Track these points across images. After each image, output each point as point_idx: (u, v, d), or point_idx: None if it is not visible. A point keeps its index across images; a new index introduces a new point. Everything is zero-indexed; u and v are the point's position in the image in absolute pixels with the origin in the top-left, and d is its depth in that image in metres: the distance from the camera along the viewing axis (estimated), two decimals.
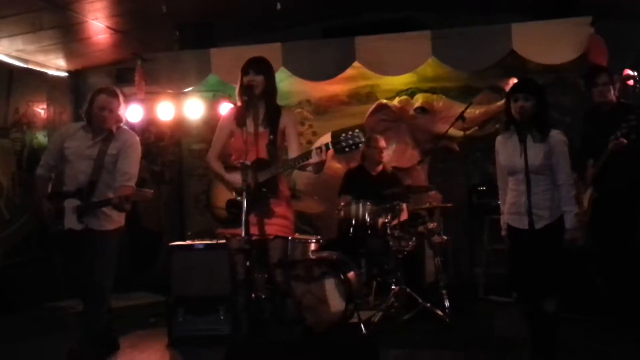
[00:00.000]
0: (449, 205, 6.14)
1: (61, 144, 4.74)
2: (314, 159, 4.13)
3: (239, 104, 4.43)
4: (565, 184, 4.00)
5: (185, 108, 7.24)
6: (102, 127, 4.68)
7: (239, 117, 4.35)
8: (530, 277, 3.99)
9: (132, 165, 4.67)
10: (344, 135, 4.10)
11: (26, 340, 5.57)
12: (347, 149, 4.09)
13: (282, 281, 4.58)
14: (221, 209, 4.33)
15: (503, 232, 4.23)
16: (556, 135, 4.02)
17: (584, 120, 5.36)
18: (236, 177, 4.16)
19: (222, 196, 4.37)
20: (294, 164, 4.24)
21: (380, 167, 6.32)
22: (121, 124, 4.80)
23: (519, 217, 4.03)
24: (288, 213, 4.47)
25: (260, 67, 4.37)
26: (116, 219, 4.69)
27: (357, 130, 4.11)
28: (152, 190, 4.64)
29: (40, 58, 7.01)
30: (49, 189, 4.77)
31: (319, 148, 4.11)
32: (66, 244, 4.63)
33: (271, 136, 4.32)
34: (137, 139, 4.83)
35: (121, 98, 4.76)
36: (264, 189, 4.22)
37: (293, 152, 4.35)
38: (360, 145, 4.15)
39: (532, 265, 3.96)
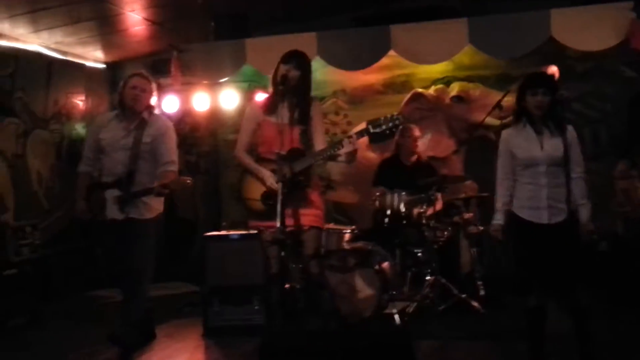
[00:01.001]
0: (485, 195, 6.05)
1: (97, 136, 4.81)
2: (346, 147, 4.14)
3: (271, 91, 4.44)
4: (581, 176, 3.99)
5: (221, 98, 7.28)
6: (134, 107, 4.71)
7: (270, 105, 4.37)
8: (549, 272, 3.93)
9: (170, 150, 4.73)
10: (382, 118, 4.11)
11: (67, 327, 5.71)
12: (387, 131, 4.10)
13: (317, 272, 4.58)
14: (255, 200, 4.34)
15: (495, 227, 4.13)
16: (571, 129, 4.03)
17: (630, 105, 5.24)
18: (267, 172, 4.21)
19: (255, 188, 4.37)
20: (327, 153, 4.24)
21: (414, 157, 6.30)
22: (153, 111, 4.85)
23: (537, 211, 3.98)
24: (320, 203, 4.48)
25: (302, 62, 4.36)
26: (155, 207, 4.76)
27: (394, 114, 4.12)
28: (190, 178, 4.68)
29: (78, 50, 7.13)
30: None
31: (350, 136, 4.11)
32: (108, 234, 4.71)
33: (303, 126, 4.32)
34: (171, 124, 4.88)
35: (153, 84, 4.83)
36: (301, 178, 4.23)
37: (319, 143, 4.35)
38: (399, 127, 4.17)
39: (553, 260, 3.91)
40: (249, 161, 4.46)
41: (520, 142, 4.07)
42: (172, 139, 4.79)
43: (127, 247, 4.61)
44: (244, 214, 4.68)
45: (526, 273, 4.04)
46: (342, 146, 4.14)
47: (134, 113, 4.74)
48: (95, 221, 4.70)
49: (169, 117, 6.57)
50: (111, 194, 4.64)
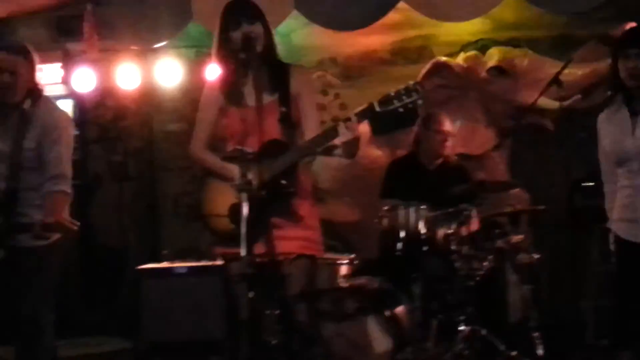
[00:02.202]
0: (541, 208, 6.13)
1: None
2: (343, 136, 4.09)
3: (227, 66, 4.36)
4: None
5: (157, 72, 7.25)
6: (3, 100, 4.63)
7: (231, 86, 4.34)
8: None
9: (61, 158, 4.66)
10: (393, 92, 4.04)
11: None
12: (400, 109, 4.04)
13: (305, 320, 4.54)
14: (220, 217, 4.29)
15: (611, 246, 4.25)
16: None
17: None
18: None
19: (221, 200, 4.29)
20: (315, 146, 4.18)
21: (441, 160, 6.35)
22: (40, 96, 4.74)
23: (634, 225, 4.06)
24: (314, 219, 4.43)
25: (254, 11, 4.32)
26: None
27: (411, 83, 4.02)
28: (77, 225, 4.54)
29: None
30: None
31: (348, 119, 4.07)
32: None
33: (283, 108, 4.27)
34: (67, 114, 4.84)
35: (34, 56, 4.71)
36: (284, 182, 4.19)
37: (311, 131, 4.30)
38: (418, 103, 4.09)
39: None
40: (210, 158, 4.42)
41: (610, 130, 4.15)
42: (66, 139, 4.72)
43: (14, 288, 4.57)
44: (193, 237, 4.65)
45: (623, 315, 4.06)
46: (338, 133, 4.11)
47: (7, 105, 4.66)
48: None
49: (81, 98, 6.56)
50: None
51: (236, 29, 4.24)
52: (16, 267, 4.54)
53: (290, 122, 4.30)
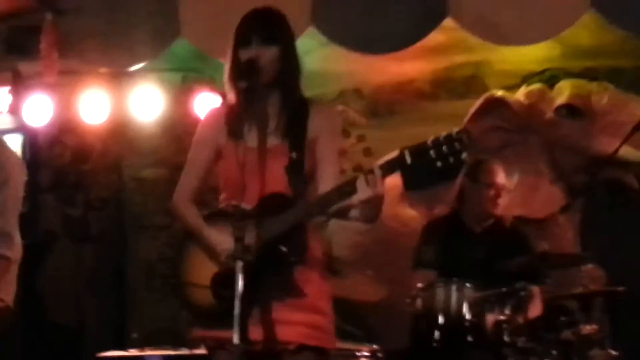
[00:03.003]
0: (620, 290, 6.09)
1: None
2: (362, 193, 4.04)
3: (231, 97, 4.42)
4: None
5: (131, 102, 7.33)
6: None
7: (232, 121, 4.35)
8: None
9: (4, 212, 4.74)
10: (430, 140, 3.98)
11: None
12: (438, 163, 3.97)
13: None
14: (202, 288, 4.27)
15: None
16: None
17: None
18: (223, 236, 4.11)
19: (203, 266, 4.29)
20: (325, 204, 4.13)
21: (491, 220, 6.32)
22: None
23: None
24: (324, 299, 4.39)
25: (273, 29, 4.35)
26: None
27: (456, 131, 3.94)
28: (3, 304, 4.64)
29: None
30: None
31: (370, 171, 4.02)
32: None
33: (293, 153, 4.27)
34: (15, 156, 4.98)
35: None
36: (283, 248, 4.16)
37: (326, 184, 4.28)
38: (464, 155, 4.00)
39: None
40: (192, 217, 4.41)
41: None
42: (12, 187, 4.81)
43: None
44: (171, 317, 4.62)
45: None
46: (355, 190, 4.06)
47: None
48: None
49: (33, 133, 6.56)
50: None
51: (245, 48, 4.27)
52: None
53: (300, 173, 4.27)
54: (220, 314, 4.11)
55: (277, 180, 4.21)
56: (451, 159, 3.88)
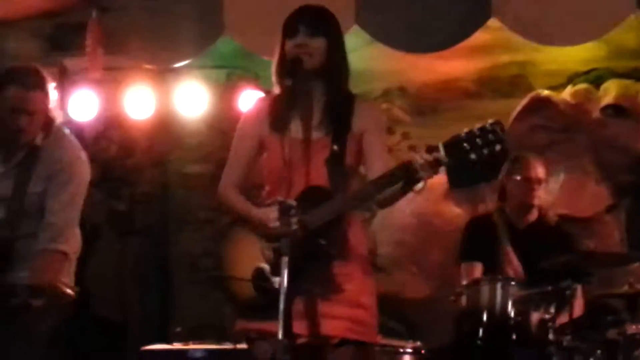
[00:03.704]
0: None
1: None
2: (424, 172, 4.00)
3: (276, 90, 4.42)
4: None
5: (176, 98, 7.36)
6: (17, 142, 4.79)
7: (277, 114, 4.35)
8: None
9: (65, 208, 4.82)
10: (465, 132, 3.88)
11: None
12: (472, 155, 3.91)
13: None
14: (244, 281, 4.27)
15: None
16: None
17: None
18: (273, 213, 4.07)
19: (248, 257, 4.32)
20: (376, 192, 4.15)
21: (534, 215, 6.32)
22: (52, 128, 4.88)
23: None
24: (366, 294, 4.38)
25: (320, 22, 4.36)
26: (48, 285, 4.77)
27: (490, 122, 3.86)
28: (74, 288, 4.73)
29: None
30: None
31: (435, 149, 3.90)
32: None
33: (335, 146, 4.28)
34: (82, 154, 4.95)
35: (49, 86, 4.86)
36: (322, 242, 4.15)
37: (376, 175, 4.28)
38: (498, 147, 3.93)
39: None
40: (240, 200, 4.42)
41: None
42: (74, 186, 4.87)
43: None
44: (215, 311, 4.62)
45: None
46: (417, 178, 4.01)
47: (17, 144, 4.83)
48: None
49: (79, 128, 6.57)
50: None
51: (291, 39, 4.29)
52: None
53: (341, 166, 4.27)
54: (262, 306, 4.15)
55: (320, 173, 4.23)
56: (485, 151, 3.89)
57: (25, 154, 4.79)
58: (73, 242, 4.83)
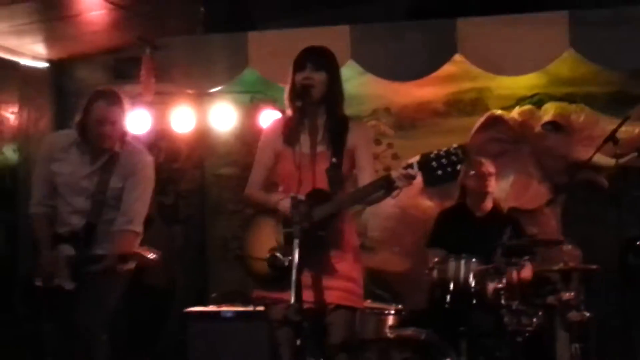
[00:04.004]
0: (593, 267, 6.07)
1: (49, 168, 5.00)
2: (400, 183, 4.04)
3: (288, 112, 4.48)
4: None
5: (211, 116, 7.41)
6: (102, 146, 4.92)
7: (289, 131, 4.40)
8: None
9: (136, 201, 4.98)
10: (434, 153, 3.96)
11: None
12: (439, 171, 3.96)
13: None
14: (261, 259, 4.34)
15: None
16: None
17: None
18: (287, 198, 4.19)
19: (264, 241, 4.37)
20: (364, 196, 4.24)
21: (489, 205, 6.35)
22: (127, 139, 5.04)
23: None
24: (355, 272, 4.42)
25: (323, 60, 4.38)
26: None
27: (453, 147, 3.93)
28: (156, 253, 4.90)
29: (11, 42, 7.19)
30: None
31: (410, 166, 3.97)
32: (55, 304, 4.86)
33: (333, 159, 4.33)
34: (150, 159, 5.09)
35: (126, 104, 5.01)
36: (321, 233, 4.22)
37: (366, 181, 4.32)
38: (459, 167, 4.02)
39: None
40: (264, 194, 4.49)
41: None
42: (147, 182, 5.06)
43: (75, 319, 4.78)
44: (241, 282, 4.67)
45: None
46: (394, 187, 4.08)
47: (102, 148, 4.95)
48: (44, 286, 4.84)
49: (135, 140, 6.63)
50: (64, 251, 4.85)
51: (300, 72, 4.33)
52: (80, 290, 4.82)
53: (338, 174, 4.33)
54: (274, 280, 4.25)
55: (322, 178, 4.26)
56: (449, 169, 3.92)
57: (108, 158, 4.92)
58: (142, 226, 4.98)
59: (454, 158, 3.91)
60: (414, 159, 3.97)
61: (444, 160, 3.91)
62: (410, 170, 3.99)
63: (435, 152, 3.94)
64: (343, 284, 4.33)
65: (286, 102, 4.45)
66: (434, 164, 3.92)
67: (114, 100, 4.93)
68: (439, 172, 3.91)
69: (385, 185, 4.09)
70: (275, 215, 4.34)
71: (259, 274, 4.40)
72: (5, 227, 7.23)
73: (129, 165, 4.95)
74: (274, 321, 4.34)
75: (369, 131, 4.58)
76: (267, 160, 4.53)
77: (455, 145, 3.94)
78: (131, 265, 4.97)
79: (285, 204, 4.18)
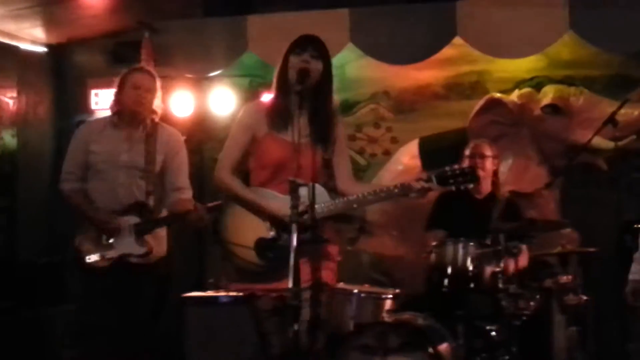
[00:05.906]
0: (591, 250, 6.12)
1: (86, 147, 5.15)
2: (418, 194, 4.29)
3: (276, 95, 4.42)
4: None
5: (210, 100, 7.45)
6: (137, 111, 5.13)
7: (278, 116, 4.36)
8: None
9: (184, 173, 5.33)
10: (451, 169, 4.24)
11: None
12: (450, 181, 4.25)
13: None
14: (244, 248, 4.31)
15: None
16: None
17: None
18: (278, 204, 4.19)
19: (244, 228, 4.35)
20: (374, 201, 4.35)
21: (488, 188, 6.32)
22: (157, 117, 5.27)
23: None
24: (335, 251, 4.55)
25: (321, 50, 4.36)
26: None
27: (468, 168, 4.31)
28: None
29: (9, 26, 7.21)
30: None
31: (429, 180, 4.27)
32: (103, 280, 5.05)
33: (323, 148, 4.36)
34: (180, 137, 5.36)
35: (158, 81, 5.25)
36: (318, 230, 4.10)
37: (343, 177, 4.46)
38: (470, 186, 4.30)
39: None
40: (239, 185, 4.42)
41: None
42: (185, 156, 5.35)
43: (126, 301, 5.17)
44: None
45: None
46: (409, 196, 4.29)
47: (137, 119, 5.17)
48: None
49: None
50: (127, 222, 5.03)
51: (298, 55, 4.30)
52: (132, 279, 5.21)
53: (329, 168, 4.42)
54: (259, 271, 4.28)
55: (307, 169, 4.09)
56: (462, 187, 4.27)
57: (147, 132, 5.14)
58: (191, 190, 5.32)
59: (468, 177, 4.26)
60: (432, 173, 4.26)
61: (460, 179, 4.25)
62: (431, 185, 4.27)
63: (454, 167, 4.28)
64: (333, 265, 4.48)
65: (275, 84, 4.42)
66: (450, 180, 4.25)
67: (149, 72, 5.26)
68: (451, 181, 4.25)
69: (402, 194, 4.28)
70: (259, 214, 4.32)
71: (241, 262, 4.35)
72: (5, 212, 7.25)
73: (168, 137, 5.22)
74: (263, 311, 4.34)
75: (344, 126, 4.62)
76: (244, 141, 4.46)
77: (469, 168, 4.39)
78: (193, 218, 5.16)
79: (282, 212, 4.14)
